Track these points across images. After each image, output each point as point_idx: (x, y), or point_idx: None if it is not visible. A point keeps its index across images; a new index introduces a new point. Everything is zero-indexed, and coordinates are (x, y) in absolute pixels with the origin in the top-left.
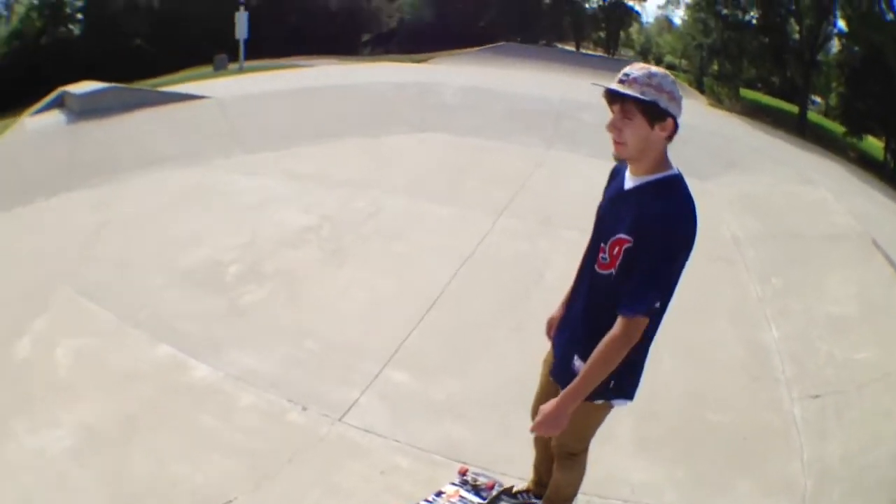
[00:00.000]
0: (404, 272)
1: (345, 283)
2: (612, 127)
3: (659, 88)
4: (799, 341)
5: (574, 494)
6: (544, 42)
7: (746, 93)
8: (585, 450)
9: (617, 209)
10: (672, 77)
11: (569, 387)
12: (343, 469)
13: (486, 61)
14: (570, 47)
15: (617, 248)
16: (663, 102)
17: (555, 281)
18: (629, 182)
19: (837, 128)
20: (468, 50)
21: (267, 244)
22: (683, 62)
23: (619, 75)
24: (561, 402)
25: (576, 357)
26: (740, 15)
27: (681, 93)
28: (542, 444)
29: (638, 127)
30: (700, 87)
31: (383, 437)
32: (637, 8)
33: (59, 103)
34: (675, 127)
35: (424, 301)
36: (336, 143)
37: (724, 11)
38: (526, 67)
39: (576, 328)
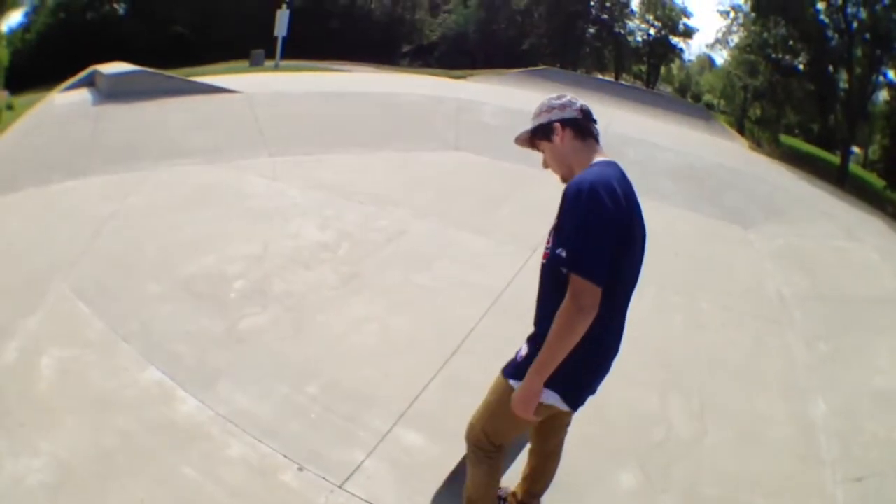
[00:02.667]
0: (426, 308)
1: (358, 315)
2: (543, 164)
3: (537, 115)
4: (845, 417)
5: (479, 500)
6: (584, 70)
7: (786, 139)
8: (497, 450)
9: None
10: (555, 97)
11: (535, 360)
12: None
13: (525, 84)
14: (609, 77)
15: (551, 235)
16: (543, 119)
17: None
18: None
19: (876, 180)
20: (508, 71)
21: (278, 259)
22: (722, 102)
23: None
24: (529, 377)
25: (524, 346)
26: (790, 59)
27: (562, 99)
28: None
29: (547, 150)
30: (741, 129)
31: None
32: (681, 45)
33: (89, 82)
34: (567, 126)
35: (447, 346)
36: (365, 154)
37: (774, 55)
38: (566, 93)
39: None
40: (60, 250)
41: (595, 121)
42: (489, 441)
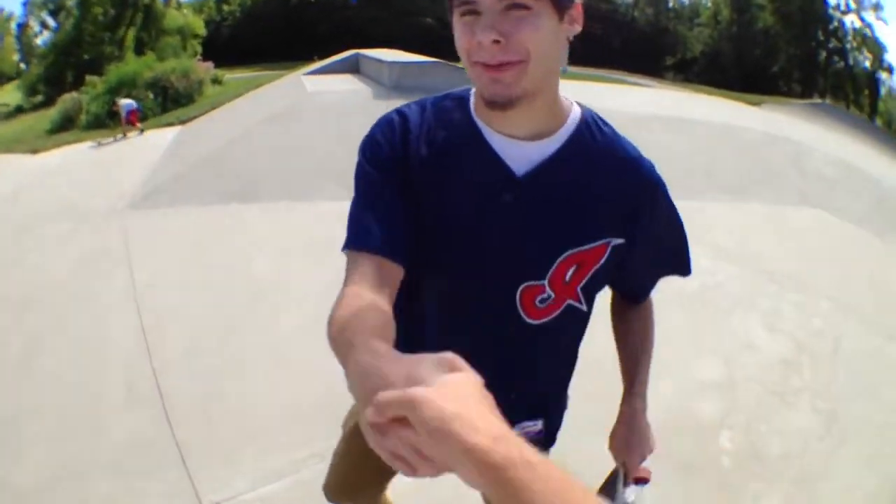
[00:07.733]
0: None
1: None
2: (492, 30)
3: None
4: None
5: None
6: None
7: None
8: None
9: None
10: None
11: None
12: None
13: (818, 120)
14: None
15: None
16: None
17: None
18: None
19: None
20: (795, 101)
21: (750, 386)
22: None
23: None
24: None
25: None
26: None
27: None
28: None
29: (542, 21)
30: None
31: None
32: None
33: (348, 68)
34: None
35: None
36: (734, 204)
37: None
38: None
39: None
40: None
41: None
42: None
